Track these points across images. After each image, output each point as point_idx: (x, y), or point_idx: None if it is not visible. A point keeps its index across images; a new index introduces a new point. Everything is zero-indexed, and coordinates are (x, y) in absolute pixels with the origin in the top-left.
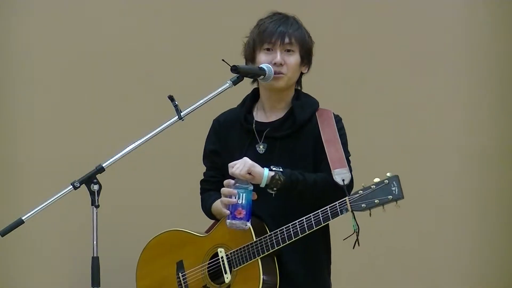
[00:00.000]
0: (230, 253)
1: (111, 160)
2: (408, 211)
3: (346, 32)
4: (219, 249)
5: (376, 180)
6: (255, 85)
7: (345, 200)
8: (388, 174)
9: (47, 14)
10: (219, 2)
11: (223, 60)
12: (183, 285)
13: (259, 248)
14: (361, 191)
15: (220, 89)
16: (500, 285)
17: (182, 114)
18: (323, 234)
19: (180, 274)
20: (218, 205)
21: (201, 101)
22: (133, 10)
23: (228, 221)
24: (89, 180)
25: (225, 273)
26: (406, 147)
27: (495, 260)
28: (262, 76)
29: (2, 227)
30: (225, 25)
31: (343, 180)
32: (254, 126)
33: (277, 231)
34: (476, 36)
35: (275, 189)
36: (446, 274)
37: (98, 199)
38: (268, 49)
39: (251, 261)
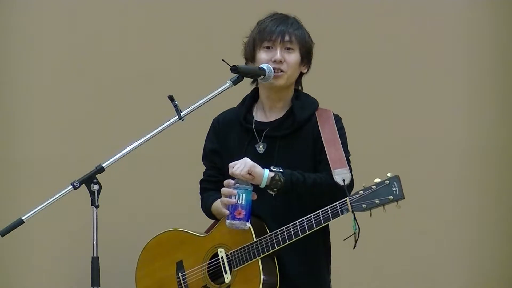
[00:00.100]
0: (230, 253)
1: (111, 160)
2: (408, 211)
3: (346, 32)
4: (219, 249)
5: (377, 180)
6: (255, 85)
7: (346, 200)
8: (388, 175)
9: (47, 13)
10: (219, 2)
11: (223, 60)
12: (183, 285)
13: (259, 248)
14: (362, 192)
15: (220, 89)
16: (501, 285)
17: (182, 114)
18: (323, 234)
19: (180, 274)
20: (218, 205)
21: (201, 101)
22: (133, 10)
23: (227, 221)
24: (89, 180)
25: (225, 273)
26: (406, 147)
27: (495, 260)
28: (262, 76)
29: (2, 227)
30: (225, 25)
31: (344, 180)
32: (253, 126)
33: (277, 231)
34: (477, 36)
35: (275, 189)
36: (446, 273)
37: (98, 199)
38: (268, 47)
39: (251, 261)
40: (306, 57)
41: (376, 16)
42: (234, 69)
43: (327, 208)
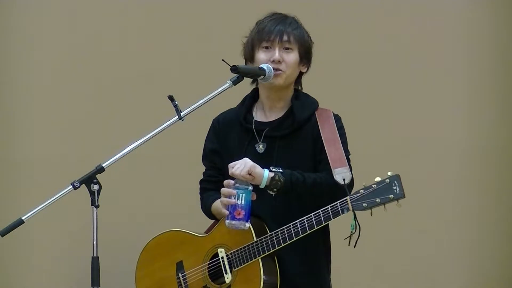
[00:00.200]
0: (231, 253)
1: (111, 160)
2: (408, 211)
3: (346, 32)
4: (219, 249)
5: (377, 179)
6: (255, 85)
7: (346, 199)
8: (389, 173)
9: (47, 13)
10: (219, 2)
11: (223, 60)
12: (183, 285)
13: (260, 248)
14: (362, 191)
15: (220, 89)
16: (501, 285)
17: (182, 114)
18: (323, 234)
19: (180, 275)
20: (217, 205)
21: (201, 101)
22: (133, 10)
23: (227, 221)
24: (89, 180)
25: (226, 273)
26: (406, 147)
27: (495, 260)
28: (262, 76)
29: (2, 227)
30: (225, 25)
31: (344, 179)
32: (253, 126)
33: (277, 231)
34: (477, 36)
35: (275, 190)
36: (446, 273)
37: (98, 199)
38: (266, 47)
39: (251, 261)
40: (305, 57)
41: (376, 16)
42: (234, 69)
43: (328, 207)
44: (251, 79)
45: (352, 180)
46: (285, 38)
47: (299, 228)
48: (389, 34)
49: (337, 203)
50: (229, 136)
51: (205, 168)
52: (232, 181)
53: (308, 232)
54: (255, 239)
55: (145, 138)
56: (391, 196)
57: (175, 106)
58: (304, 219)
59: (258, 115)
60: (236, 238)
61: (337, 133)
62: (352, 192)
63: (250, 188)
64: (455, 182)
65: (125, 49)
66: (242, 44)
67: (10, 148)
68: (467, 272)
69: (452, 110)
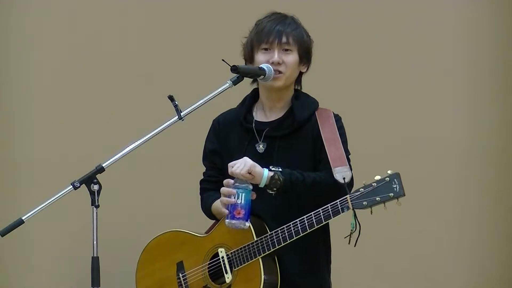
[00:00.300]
0: (231, 253)
1: (111, 160)
2: (408, 211)
3: (346, 32)
4: (219, 249)
5: (377, 177)
6: (255, 86)
7: (346, 198)
8: (389, 172)
9: (47, 13)
10: (219, 2)
11: (223, 60)
12: (183, 285)
13: (260, 247)
14: (362, 189)
15: (220, 89)
16: (501, 285)
17: (182, 114)
18: (323, 233)
19: (181, 275)
20: (218, 205)
21: (201, 101)
22: (133, 10)
23: (227, 220)
24: (89, 180)
25: (226, 273)
26: (406, 147)
27: (495, 260)
28: (262, 76)
29: (2, 227)
30: (225, 25)
31: (344, 178)
32: (253, 126)
33: (277, 230)
34: (477, 36)
35: (274, 189)
36: (446, 273)
37: (98, 199)
38: (265, 49)
39: (251, 260)
40: (305, 57)
41: (376, 16)
42: (234, 69)
43: (328, 206)
44: (251, 79)
45: (352, 179)
46: (284, 39)
47: (299, 227)
48: (389, 34)
49: (337, 202)
50: (229, 136)
51: (205, 168)
52: (232, 181)
53: (309, 231)
54: (255, 239)
55: (145, 138)
56: (391, 194)
57: (175, 106)
58: (304, 218)
59: (258, 115)
60: (236, 238)
61: (337, 132)
62: (352, 190)
63: (250, 187)
64: (455, 182)
65: (125, 49)
66: (242, 44)
67: (10, 148)
68: (467, 272)
69: (452, 110)
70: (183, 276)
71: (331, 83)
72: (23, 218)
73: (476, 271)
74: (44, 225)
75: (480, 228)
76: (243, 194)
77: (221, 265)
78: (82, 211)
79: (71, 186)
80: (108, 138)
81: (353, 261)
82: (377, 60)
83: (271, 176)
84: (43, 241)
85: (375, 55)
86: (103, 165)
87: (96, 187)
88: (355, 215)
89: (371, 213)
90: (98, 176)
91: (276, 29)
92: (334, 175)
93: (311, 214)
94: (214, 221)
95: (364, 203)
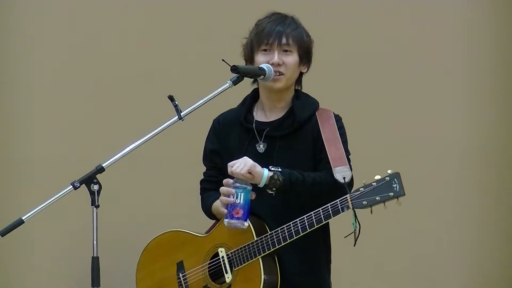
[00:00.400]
0: (231, 253)
1: (111, 160)
2: (408, 210)
3: (346, 32)
4: (219, 249)
5: (377, 177)
6: (255, 86)
7: (346, 197)
8: (389, 171)
9: (47, 13)
10: (219, 2)
11: (223, 60)
12: (183, 285)
13: (260, 247)
14: (362, 189)
15: (220, 89)
16: (501, 285)
17: (182, 114)
18: (323, 233)
19: (181, 275)
20: (218, 205)
21: (201, 101)
22: (133, 10)
23: (226, 220)
24: (89, 180)
25: (226, 272)
26: (406, 147)
27: (495, 260)
28: (262, 76)
29: (2, 227)
30: (225, 25)
31: (344, 178)
32: (254, 126)
33: (277, 230)
34: (477, 36)
35: (274, 189)
36: (446, 273)
37: (98, 199)
38: (265, 50)
39: (251, 260)
40: (305, 57)
41: (376, 16)
42: (234, 69)
43: (328, 206)
44: (251, 79)
45: (352, 179)
46: (284, 41)
47: (299, 227)
48: (389, 34)
49: (337, 201)
50: (229, 136)
51: (205, 168)
52: (231, 180)
53: (309, 230)
54: (255, 238)
55: (145, 138)
56: (391, 194)
57: (175, 106)
58: (304, 217)
59: (259, 115)
60: (236, 238)
61: (338, 132)
62: (352, 190)
63: (249, 187)
64: (455, 182)
65: (125, 49)
66: (242, 45)
67: (10, 148)
68: (467, 272)
69: (452, 110)
70: (183, 276)
71: (331, 83)
72: (23, 218)
73: (476, 271)
74: (44, 225)
75: (480, 228)
76: (242, 194)
77: (221, 265)
78: (82, 211)
79: (71, 186)
80: (108, 138)
81: (353, 261)
82: (377, 60)
83: (271, 176)
84: (43, 241)
85: (375, 55)
86: (103, 165)
87: (96, 187)
88: (355, 215)
89: (371, 213)
90: (98, 176)
91: (276, 30)
92: (334, 175)
93: (311, 214)
94: (214, 221)
95: (364, 202)
